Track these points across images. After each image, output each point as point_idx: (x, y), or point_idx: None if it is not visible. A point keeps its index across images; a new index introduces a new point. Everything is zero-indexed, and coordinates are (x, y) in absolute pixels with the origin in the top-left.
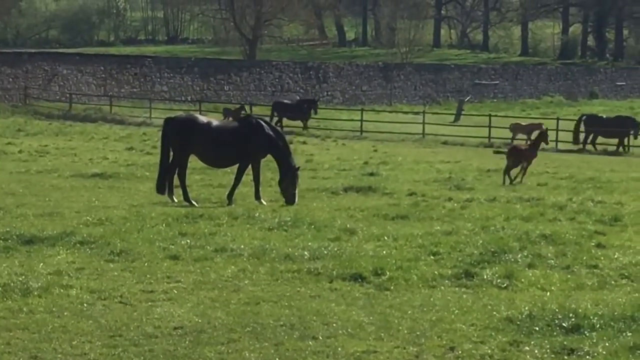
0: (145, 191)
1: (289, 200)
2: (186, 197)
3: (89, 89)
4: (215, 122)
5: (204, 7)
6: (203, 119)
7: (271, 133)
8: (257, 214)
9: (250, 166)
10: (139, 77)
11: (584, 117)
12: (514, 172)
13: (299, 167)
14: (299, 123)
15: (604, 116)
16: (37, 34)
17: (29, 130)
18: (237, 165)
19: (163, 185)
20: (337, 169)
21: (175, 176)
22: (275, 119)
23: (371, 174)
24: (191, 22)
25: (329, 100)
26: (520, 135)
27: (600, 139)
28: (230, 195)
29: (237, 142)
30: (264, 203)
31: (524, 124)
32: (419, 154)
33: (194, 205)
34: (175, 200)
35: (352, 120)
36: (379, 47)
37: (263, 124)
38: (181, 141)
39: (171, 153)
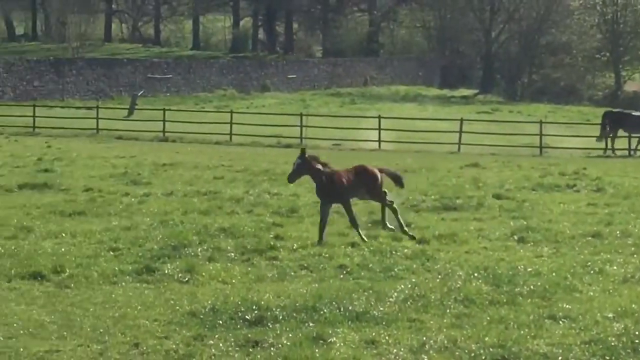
0: None
1: None
2: None
3: None
4: None
5: None
6: None
7: None
8: None
9: None
10: None
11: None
12: None
13: None
14: None
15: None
16: None
17: None
18: None
19: None
20: (11, 166)
21: None
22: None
23: (46, 170)
24: None
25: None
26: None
27: None
28: None
29: None
30: None
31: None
32: (94, 149)
33: None
34: None
35: (24, 116)
36: (50, 41)
37: None
38: None
39: None
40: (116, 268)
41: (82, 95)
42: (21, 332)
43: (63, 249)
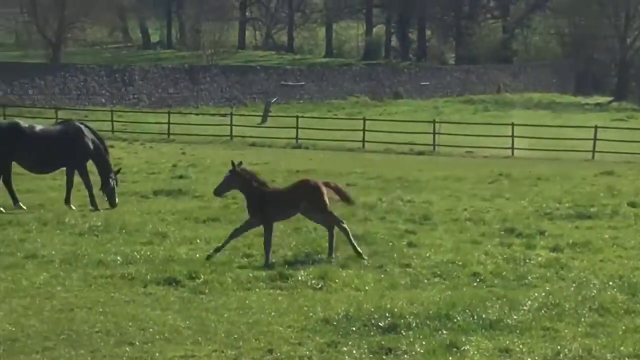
0: None
1: (113, 204)
2: (15, 201)
3: None
4: (38, 127)
5: (5, 10)
6: (25, 124)
7: (94, 137)
8: (67, 219)
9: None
10: None
11: None
12: None
13: (119, 170)
14: (102, 125)
15: None
16: None
17: None
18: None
19: None
20: (146, 172)
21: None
22: None
23: (180, 177)
24: None
25: (135, 103)
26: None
27: None
28: (67, 200)
29: (62, 146)
30: (74, 208)
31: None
32: (228, 156)
33: (1, 211)
34: (4, 211)
35: (159, 123)
36: (184, 49)
37: (84, 128)
38: (3, 148)
39: None
40: (250, 274)
41: (216, 102)
42: (157, 337)
43: (198, 255)
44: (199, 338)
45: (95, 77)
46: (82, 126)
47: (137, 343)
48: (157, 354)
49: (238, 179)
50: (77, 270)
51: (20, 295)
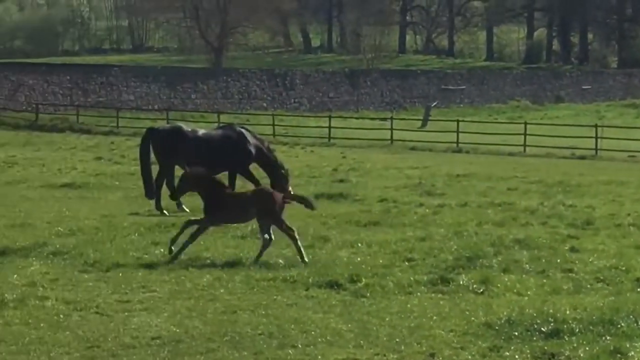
0: (116, 201)
1: None
2: (179, 204)
3: (55, 98)
4: (201, 131)
5: (169, 15)
6: (188, 128)
7: (256, 141)
8: None
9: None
10: (105, 86)
11: None
12: None
13: (287, 168)
14: (264, 129)
15: None
16: (2, 45)
17: None
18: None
19: (152, 191)
20: (307, 176)
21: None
22: None
23: (341, 181)
24: (156, 30)
25: (296, 107)
26: None
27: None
28: None
29: (224, 150)
30: None
31: None
32: (388, 160)
33: (165, 214)
34: (167, 214)
35: (320, 127)
36: (345, 53)
37: (245, 132)
38: (166, 151)
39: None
40: (411, 278)
41: (376, 106)
42: (319, 339)
43: (359, 259)
44: (361, 341)
45: (256, 82)
46: (243, 130)
47: (300, 346)
48: (319, 357)
49: (189, 180)
50: (240, 272)
51: (184, 297)
